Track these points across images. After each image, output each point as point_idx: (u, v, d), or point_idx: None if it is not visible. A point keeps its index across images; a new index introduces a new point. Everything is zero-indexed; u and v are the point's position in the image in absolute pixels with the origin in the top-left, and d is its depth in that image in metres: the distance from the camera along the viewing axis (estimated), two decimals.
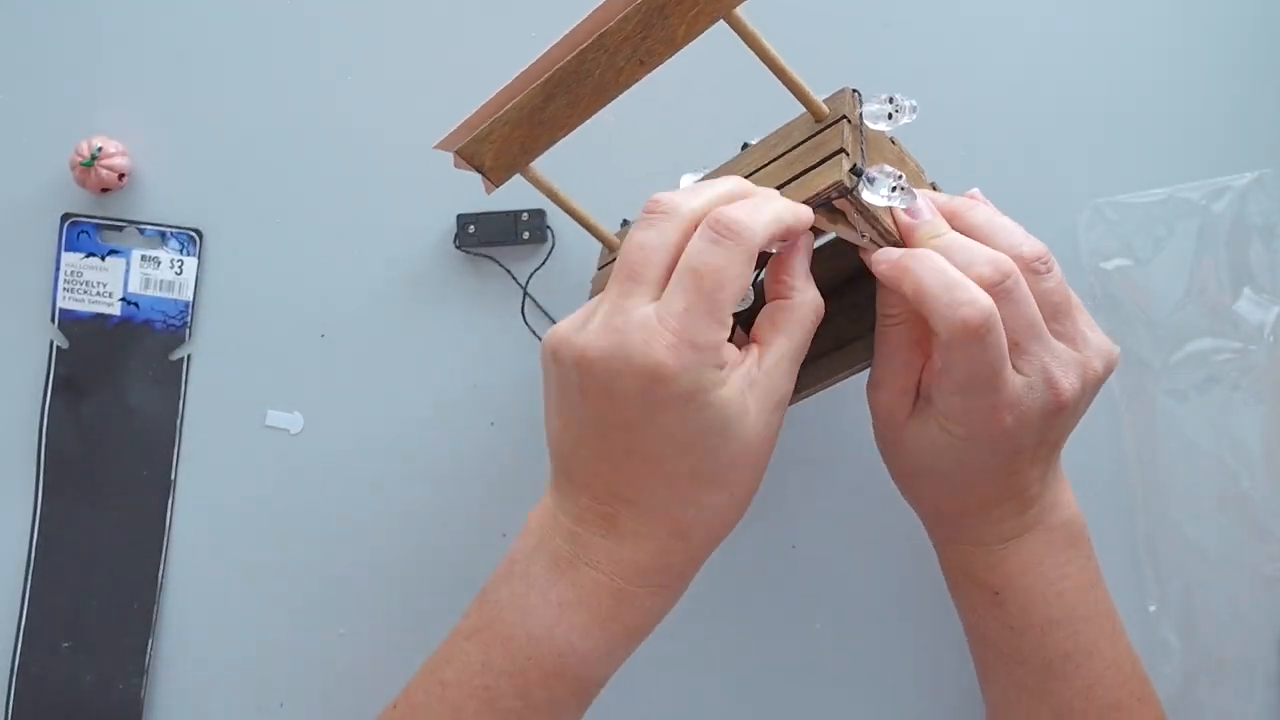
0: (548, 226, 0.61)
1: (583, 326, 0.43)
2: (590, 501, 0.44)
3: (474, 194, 0.59)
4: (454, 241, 0.61)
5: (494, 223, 0.61)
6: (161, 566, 0.60)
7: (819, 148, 0.45)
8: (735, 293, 0.41)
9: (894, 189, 0.44)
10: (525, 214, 0.61)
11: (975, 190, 0.49)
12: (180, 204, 0.61)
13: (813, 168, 0.45)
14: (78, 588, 0.60)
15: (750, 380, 0.43)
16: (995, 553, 0.49)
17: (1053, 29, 0.61)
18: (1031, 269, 0.45)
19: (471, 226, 0.60)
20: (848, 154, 0.44)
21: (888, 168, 0.44)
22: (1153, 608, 0.58)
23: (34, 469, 0.60)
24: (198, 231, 0.61)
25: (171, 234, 0.61)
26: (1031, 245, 0.45)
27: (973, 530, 0.49)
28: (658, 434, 0.42)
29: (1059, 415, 0.45)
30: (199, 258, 0.61)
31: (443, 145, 0.47)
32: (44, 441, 0.60)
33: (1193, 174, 0.60)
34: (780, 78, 0.45)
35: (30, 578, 0.60)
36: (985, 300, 0.42)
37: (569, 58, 0.44)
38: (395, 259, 0.61)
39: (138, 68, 0.61)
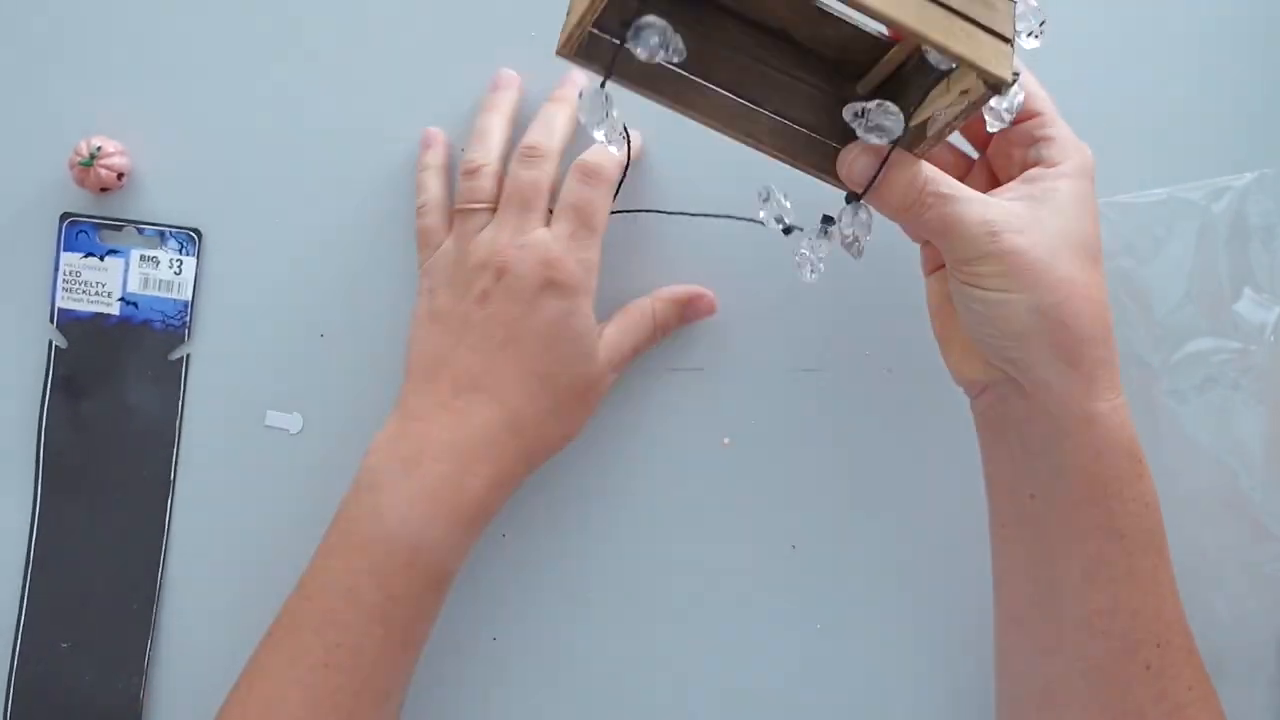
0: None
1: (494, 240, 0.54)
2: (448, 394, 0.53)
3: None
4: None
5: None
6: (161, 566, 0.60)
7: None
8: (603, 219, 0.54)
9: (1032, 34, 0.47)
10: None
11: None
12: (180, 204, 0.61)
13: (983, 29, 0.42)
14: (77, 588, 0.60)
15: (602, 333, 0.55)
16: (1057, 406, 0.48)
17: (1051, 30, 0.61)
18: None
19: None
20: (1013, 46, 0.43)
21: None
22: None
23: (33, 469, 0.60)
24: (197, 231, 0.61)
25: (170, 234, 0.61)
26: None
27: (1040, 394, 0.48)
28: (538, 322, 0.52)
29: (1090, 179, 0.49)
30: (198, 257, 0.61)
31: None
32: (43, 441, 0.60)
33: (1193, 174, 0.60)
34: None
35: (29, 578, 0.60)
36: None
37: None
38: (395, 261, 0.61)
39: (138, 68, 0.61)
